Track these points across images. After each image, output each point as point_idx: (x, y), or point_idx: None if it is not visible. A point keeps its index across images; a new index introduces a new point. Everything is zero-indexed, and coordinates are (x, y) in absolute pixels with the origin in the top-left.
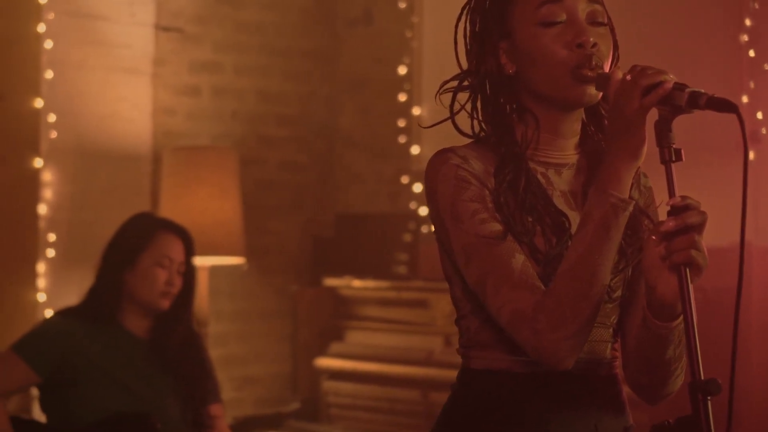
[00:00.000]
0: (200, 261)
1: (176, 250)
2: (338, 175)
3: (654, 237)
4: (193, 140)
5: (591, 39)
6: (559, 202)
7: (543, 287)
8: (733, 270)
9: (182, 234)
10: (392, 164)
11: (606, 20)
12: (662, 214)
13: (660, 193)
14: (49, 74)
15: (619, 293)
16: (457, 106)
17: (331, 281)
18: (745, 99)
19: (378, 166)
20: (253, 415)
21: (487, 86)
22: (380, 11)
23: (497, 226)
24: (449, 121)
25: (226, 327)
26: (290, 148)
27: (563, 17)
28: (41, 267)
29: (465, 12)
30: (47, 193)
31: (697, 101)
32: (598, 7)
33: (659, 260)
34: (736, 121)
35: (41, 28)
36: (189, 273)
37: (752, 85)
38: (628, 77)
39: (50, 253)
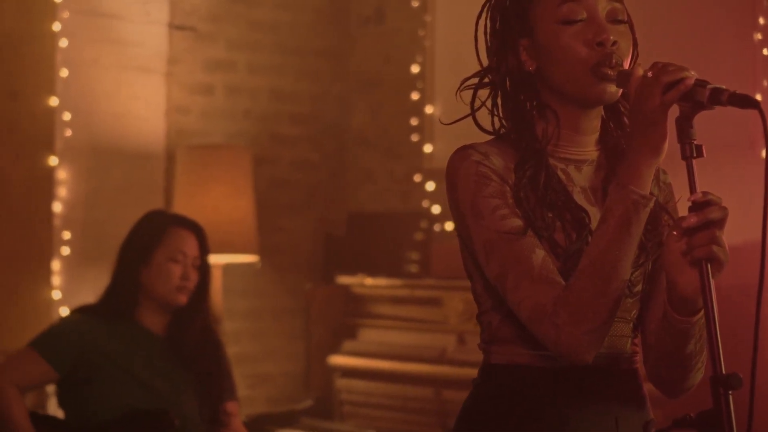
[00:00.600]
0: (214, 259)
1: (190, 244)
2: (351, 173)
3: (675, 232)
4: (206, 139)
5: (611, 37)
6: (579, 198)
7: (563, 282)
8: (747, 267)
9: (195, 229)
10: (404, 163)
11: (626, 18)
12: (682, 210)
13: (678, 190)
14: (63, 73)
15: (639, 288)
16: (477, 103)
17: (343, 279)
18: (759, 97)
19: (390, 164)
20: (267, 413)
21: (508, 83)
22: (393, 10)
23: (518, 222)
24: (463, 118)
25: (239, 325)
26: (303, 147)
27: (583, 15)
28: (56, 265)
29: (486, 9)
30: (62, 191)
31: (718, 98)
32: (618, 5)
33: (680, 255)
34: (751, 118)
35: (56, 26)
36: (204, 267)
37: (766, 83)
38: (650, 74)
39: (65, 251)
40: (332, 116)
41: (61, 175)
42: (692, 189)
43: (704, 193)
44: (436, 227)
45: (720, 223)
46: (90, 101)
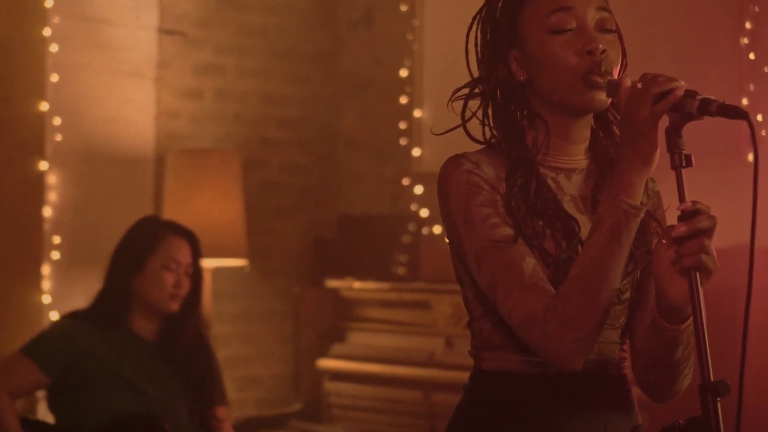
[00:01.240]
0: (203, 263)
1: (183, 252)
2: (340, 176)
3: (665, 241)
4: (196, 143)
5: (600, 46)
6: (569, 207)
7: (553, 290)
8: (734, 271)
9: (189, 236)
10: (393, 166)
11: (614, 27)
12: (670, 218)
13: (666, 197)
14: (54, 77)
15: (628, 295)
16: (468, 114)
17: (332, 283)
18: (745, 101)
19: (379, 167)
20: (256, 416)
21: (499, 93)
22: (381, 14)
23: (508, 230)
24: (454, 129)
25: (228, 328)
26: (292, 150)
27: (573, 25)
28: (46, 269)
29: (476, 21)
30: (52, 196)
31: (707, 108)
32: (606, 14)
33: (670, 264)
34: (738, 123)
35: (47, 31)
36: (196, 274)
37: (752, 87)
38: (639, 85)
39: (55, 255)
40: (321, 120)
41: (52, 179)
42: (681, 198)
43: (693, 203)
44: (425, 230)
45: (709, 232)
46: (80, 106)
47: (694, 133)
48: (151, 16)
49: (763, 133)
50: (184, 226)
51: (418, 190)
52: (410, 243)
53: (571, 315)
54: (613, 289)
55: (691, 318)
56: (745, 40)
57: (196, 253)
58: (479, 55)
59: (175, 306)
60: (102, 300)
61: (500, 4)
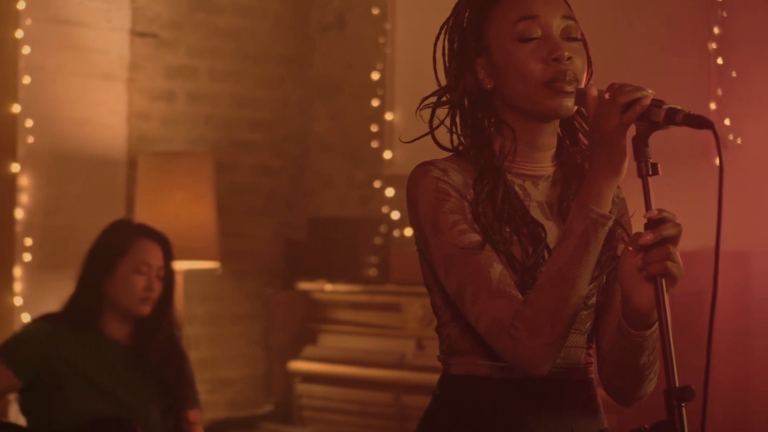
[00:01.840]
0: (175, 265)
1: (155, 255)
2: (311, 179)
3: (631, 248)
4: (168, 145)
5: (566, 53)
6: (536, 213)
7: (520, 296)
8: (701, 274)
9: (160, 240)
10: (364, 169)
11: (579, 36)
12: (635, 224)
13: (632, 203)
14: (26, 80)
15: (594, 300)
16: (436, 122)
17: (304, 285)
18: (713, 106)
19: (350, 170)
20: (227, 418)
21: (466, 101)
22: (353, 17)
23: (476, 237)
24: (422, 137)
25: (200, 330)
26: (264, 153)
27: (538, 33)
28: (18, 271)
29: (443, 31)
30: (24, 198)
31: (674, 117)
32: (572, 23)
33: (636, 271)
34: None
35: (19, 34)
36: (168, 277)
37: (720, 92)
38: (607, 96)
39: (27, 257)
40: (293, 122)
41: (23, 181)
42: (648, 206)
43: (659, 211)
44: (396, 233)
45: (674, 239)
46: (52, 108)
47: (664, 137)
48: (123, 19)
49: (731, 137)
50: (155, 230)
51: (390, 192)
52: (381, 245)
53: (539, 321)
54: (580, 297)
55: (657, 324)
56: (713, 45)
57: (168, 256)
58: (447, 64)
59: (146, 309)
60: (74, 303)
61: (467, 13)
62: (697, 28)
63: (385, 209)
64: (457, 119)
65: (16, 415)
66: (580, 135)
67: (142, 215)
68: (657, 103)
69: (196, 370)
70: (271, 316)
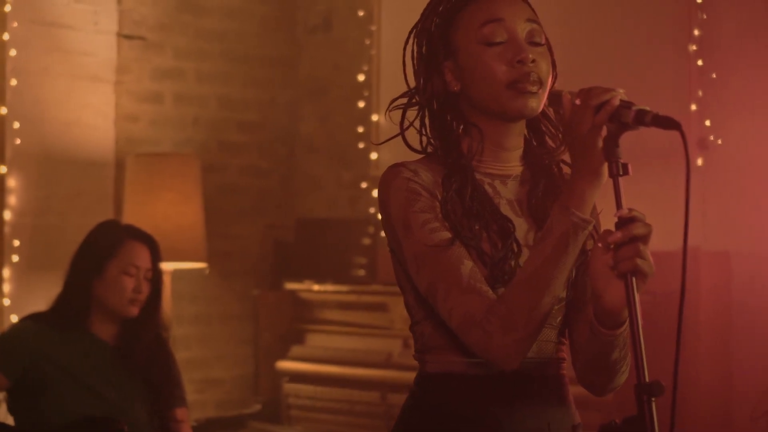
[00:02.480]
0: (163, 266)
1: (143, 257)
2: (299, 180)
3: (600, 245)
4: (155, 147)
5: (530, 56)
6: (506, 210)
7: (491, 292)
8: (674, 274)
9: (148, 241)
10: (352, 170)
11: (543, 40)
12: (605, 221)
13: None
14: (13, 82)
15: (564, 294)
16: (406, 123)
17: (291, 285)
18: (693, 107)
19: (338, 171)
20: (215, 417)
21: (434, 103)
22: (339, 19)
23: (447, 235)
24: (392, 138)
25: (188, 330)
26: (251, 154)
27: (504, 37)
28: (6, 272)
29: (412, 35)
30: (11, 199)
31: (642, 118)
32: (536, 26)
33: (607, 269)
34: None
35: (5, 36)
36: (156, 279)
37: (701, 93)
38: (578, 101)
39: (14, 258)
40: (280, 124)
41: (11, 183)
42: (618, 205)
43: (629, 210)
44: (383, 233)
45: (644, 238)
46: (39, 110)
47: (638, 136)
48: (110, 21)
49: (711, 138)
50: (143, 231)
51: (376, 193)
52: (368, 246)
53: (512, 318)
54: (555, 297)
55: (627, 323)
56: (694, 47)
57: (156, 258)
58: (416, 67)
59: (134, 310)
60: (62, 303)
61: (435, 18)
62: (678, 30)
63: (372, 210)
64: (427, 121)
65: (4, 415)
66: (547, 137)
67: (130, 216)
68: (626, 104)
69: (185, 370)
70: (259, 316)
